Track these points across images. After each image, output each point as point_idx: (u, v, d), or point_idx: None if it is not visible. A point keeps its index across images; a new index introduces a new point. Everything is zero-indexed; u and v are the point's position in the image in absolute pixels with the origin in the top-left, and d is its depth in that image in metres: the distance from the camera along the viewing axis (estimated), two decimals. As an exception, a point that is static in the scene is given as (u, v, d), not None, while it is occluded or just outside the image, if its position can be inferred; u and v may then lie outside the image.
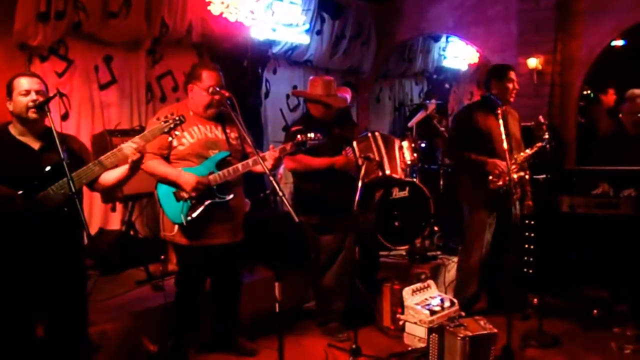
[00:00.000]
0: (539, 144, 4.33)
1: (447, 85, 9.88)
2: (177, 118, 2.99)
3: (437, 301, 4.33)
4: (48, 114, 2.77)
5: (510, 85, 4.41)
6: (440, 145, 7.11)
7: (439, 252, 5.69)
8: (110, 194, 4.42)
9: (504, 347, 3.79)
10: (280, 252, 4.42)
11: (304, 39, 6.65)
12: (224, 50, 5.77)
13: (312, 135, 3.50)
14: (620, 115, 5.28)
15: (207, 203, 3.43)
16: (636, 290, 4.46)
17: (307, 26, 6.59)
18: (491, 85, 4.47)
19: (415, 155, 5.05)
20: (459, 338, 3.57)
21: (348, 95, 4.54)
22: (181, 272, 3.75)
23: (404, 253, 5.56)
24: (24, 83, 2.82)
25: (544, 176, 4.84)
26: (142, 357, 3.73)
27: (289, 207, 2.96)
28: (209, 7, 5.45)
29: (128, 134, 4.29)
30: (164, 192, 3.49)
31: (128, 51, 5.31)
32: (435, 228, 5.84)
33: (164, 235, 3.62)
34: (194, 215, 3.42)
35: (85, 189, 3.03)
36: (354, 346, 3.84)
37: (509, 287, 4.55)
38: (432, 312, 4.18)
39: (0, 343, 2.77)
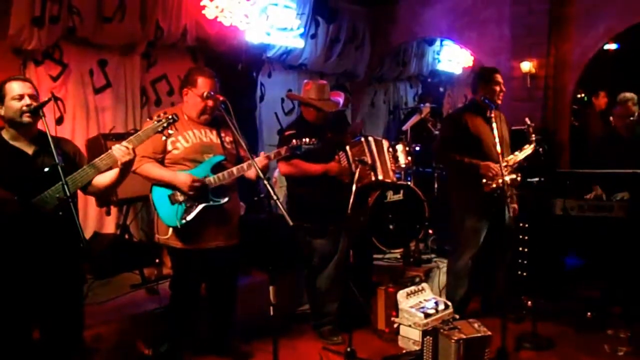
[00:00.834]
0: (527, 147, 4.36)
1: (441, 89, 9.92)
2: (170, 117, 2.98)
3: (431, 304, 4.34)
4: (43, 118, 2.76)
5: (497, 88, 4.42)
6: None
7: (433, 255, 5.70)
8: (104, 197, 4.40)
9: (498, 349, 3.81)
10: (275, 255, 4.42)
11: (299, 43, 6.67)
12: (219, 53, 5.79)
13: (307, 139, 3.51)
14: (612, 118, 5.32)
15: (201, 206, 3.44)
16: (629, 292, 4.48)
17: (302, 30, 6.61)
18: (478, 89, 4.49)
19: (409, 158, 5.07)
20: (453, 341, 3.59)
21: (341, 99, 4.56)
22: (176, 276, 3.75)
23: (398, 256, 5.58)
24: (16, 87, 2.80)
25: (537, 179, 4.86)
26: (137, 361, 3.74)
27: (283, 211, 2.97)
28: (203, 11, 5.47)
29: (123, 137, 4.25)
30: (159, 196, 3.50)
31: (123, 55, 5.32)
32: (430, 231, 5.86)
33: (159, 238, 3.62)
34: (189, 218, 3.43)
35: (79, 192, 3.03)
36: (348, 349, 3.85)
37: (503, 290, 4.57)
38: (427, 315, 4.19)
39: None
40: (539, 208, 4.86)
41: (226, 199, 3.51)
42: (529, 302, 4.70)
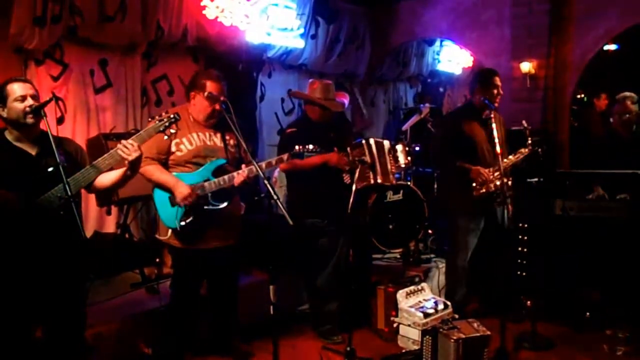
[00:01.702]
0: (522, 150, 4.37)
1: (441, 89, 9.93)
2: (172, 116, 2.99)
3: (430, 304, 4.36)
4: (44, 118, 2.78)
5: (495, 91, 4.42)
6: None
7: (432, 255, 5.72)
8: (107, 196, 4.43)
9: (498, 349, 3.82)
10: (275, 255, 4.43)
11: (299, 43, 6.68)
12: (219, 54, 5.80)
13: (310, 146, 3.48)
14: (612, 118, 5.32)
15: (200, 210, 3.45)
16: (628, 292, 4.49)
17: (302, 30, 6.62)
18: (476, 91, 4.49)
19: (409, 158, 5.09)
20: (452, 340, 3.60)
21: (346, 100, 4.56)
22: (176, 275, 3.76)
23: (398, 256, 5.59)
24: (18, 89, 2.81)
25: (537, 179, 4.87)
26: (137, 360, 3.75)
27: (283, 210, 2.98)
28: (204, 11, 5.48)
29: (123, 137, 4.25)
30: (160, 196, 3.52)
31: (123, 55, 5.32)
32: (429, 231, 5.87)
33: (159, 237, 3.63)
34: (188, 220, 3.44)
35: (82, 192, 3.04)
36: (348, 348, 3.86)
37: (502, 290, 4.58)
38: (426, 315, 4.21)
39: (-1, 345, 2.79)
40: (538, 208, 4.87)
41: (225, 204, 3.51)
42: (528, 302, 4.71)
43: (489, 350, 3.73)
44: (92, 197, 4.68)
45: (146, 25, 5.19)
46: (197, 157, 3.53)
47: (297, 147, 3.50)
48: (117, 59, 5.29)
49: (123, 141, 2.87)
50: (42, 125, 2.85)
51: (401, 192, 4.97)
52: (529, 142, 4.34)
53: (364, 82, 8.34)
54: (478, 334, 3.68)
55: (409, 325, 4.24)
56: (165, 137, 3.09)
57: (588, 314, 4.58)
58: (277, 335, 3.14)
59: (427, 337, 3.78)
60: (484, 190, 4.26)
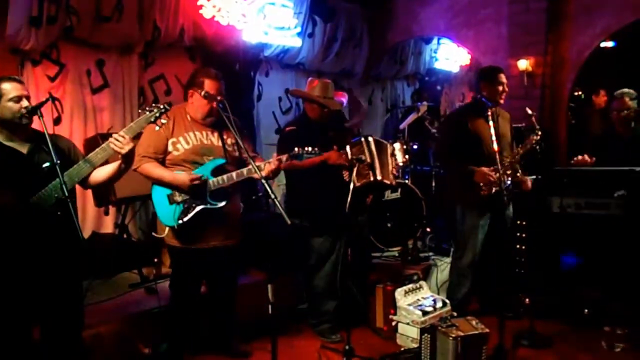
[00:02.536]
0: (532, 137, 4.35)
1: (438, 87, 9.93)
2: (161, 106, 2.98)
3: (429, 302, 4.36)
4: (41, 118, 2.77)
5: (500, 88, 4.43)
6: (432, 147, 7.15)
7: (431, 253, 5.73)
8: (105, 196, 4.43)
9: (496, 347, 3.82)
10: (273, 254, 4.44)
11: (296, 42, 6.67)
12: (216, 53, 5.79)
13: (309, 148, 3.47)
14: (611, 115, 5.31)
15: (198, 208, 3.44)
16: (627, 289, 4.50)
17: (299, 29, 6.62)
18: (481, 88, 4.49)
19: (407, 157, 5.09)
20: (450, 338, 3.60)
21: (344, 99, 4.56)
22: (175, 275, 3.76)
23: (396, 254, 5.60)
24: (12, 89, 2.80)
25: (535, 177, 4.88)
26: (136, 360, 3.75)
27: (281, 210, 2.98)
28: (200, 11, 5.48)
29: (121, 137, 4.29)
30: (158, 195, 3.51)
31: (120, 55, 5.32)
32: (428, 229, 5.88)
33: (158, 236, 3.63)
34: (185, 219, 3.44)
35: (78, 192, 3.04)
36: (346, 347, 3.85)
37: (501, 287, 4.59)
38: (425, 313, 4.21)
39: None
40: (536, 206, 4.87)
41: (224, 203, 3.49)
42: (527, 300, 4.71)
43: (488, 348, 3.73)
44: (90, 197, 4.68)
45: (143, 25, 5.19)
46: (195, 155, 3.52)
47: (296, 149, 3.48)
48: (114, 59, 5.29)
49: (114, 134, 2.86)
50: (38, 126, 2.84)
51: (399, 190, 4.97)
52: (537, 127, 4.32)
53: (362, 81, 8.34)
54: (476, 332, 3.69)
55: (408, 324, 4.24)
56: (157, 128, 3.08)
57: (586, 311, 4.59)
58: (276, 335, 3.13)
59: (426, 335, 3.78)
60: (492, 191, 4.26)
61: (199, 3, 5.47)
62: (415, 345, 4.07)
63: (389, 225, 4.91)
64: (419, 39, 8.74)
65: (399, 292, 4.39)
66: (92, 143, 4.51)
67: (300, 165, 4.04)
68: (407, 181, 5.37)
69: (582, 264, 4.70)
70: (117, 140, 2.83)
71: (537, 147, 4.35)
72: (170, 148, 3.52)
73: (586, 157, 4.82)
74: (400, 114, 8.57)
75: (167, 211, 3.47)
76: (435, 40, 9.26)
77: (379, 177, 4.29)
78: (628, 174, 4.54)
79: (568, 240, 4.74)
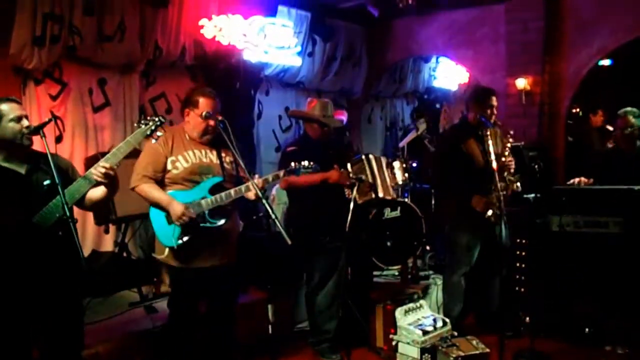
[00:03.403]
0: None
1: (437, 105, 9.99)
2: (156, 119, 3.01)
3: (429, 321, 4.35)
4: (43, 138, 2.78)
5: (489, 111, 4.44)
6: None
7: (431, 272, 5.72)
8: (105, 214, 4.43)
9: (497, 366, 3.81)
10: (274, 273, 4.43)
11: (296, 61, 6.73)
12: (217, 72, 5.85)
13: (305, 163, 3.48)
14: (615, 132, 5.32)
15: (198, 227, 3.45)
16: (627, 308, 4.49)
17: (299, 48, 6.68)
18: (471, 108, 4.51)
19: (406, 175, 5.10)
20: (451, 358, 3.60)
21: (344, 118, 4.59)
22: (173, 294, 3.75)
23: (396, 273, 5.59)
24: (12, 109, 2.80)
25: (533, 195, 4.89)
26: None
27: (281, 230, 2.98)
28: (202, 31, 5.54)
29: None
30: (157, 215, 3.51)
31: (122, 74, 5.37)
32: (427, 247, 5.88)
33: (157, 256, 3.63)
34: (185, 239, 3.43)
35: (79, 210, 3.05)
36: (347, 366, 3.84)
37: (499, 306, 4.58)
38: (425, 332, 4.19)
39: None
40: (535, 224, 4.88)
41: (223, 221, 3.49)
42: (527, 318, 4.70)
43: (488, 367, 3.72)
44: (90, 215, 4.69)
45: (145, 44, 5.25)
46: (193, 174, 3.53)
47: (293, 163, 3.51)
48: (116, 78, 5.34)
49: (96, 165, 2.86)
50: (39, 146, 2.85)
51: (399, 208, 4.98)
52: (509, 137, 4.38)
53: (361, 99, 8.40)
54: (477, 352, 3.68)
55: (408, 343, 4.22)
56: (153, 141, 3.10)
57: (587, 329, 4.57)
58: (276, 354, 3.13)
59: (427, 355, 3.77)
60: (489, 214, 4.27)
61: (200, 23, 5.54)
62: (415, 365, 4.06)
63: (388, 243, 4.90)
64: (417, 57, 8.81)
65: (399, 312, 4.37)
66: (93, 162, 4.48)
67: (301, 183, 4.07)
68: (406, 199, 5.39)
69: (583, 283, 4.69)
70: (98, 172, 2.82)
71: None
72: (169, 166, 3.52)
73: (583, 179, 4.83)
74: (401, 132, 8.63)
75: (166, 231, 3.47)
76: (434, 59, 9.33)
77: (380, 195, 4.31)
78: (627, 193, 4.55)
79: (568, 258, 4.74)
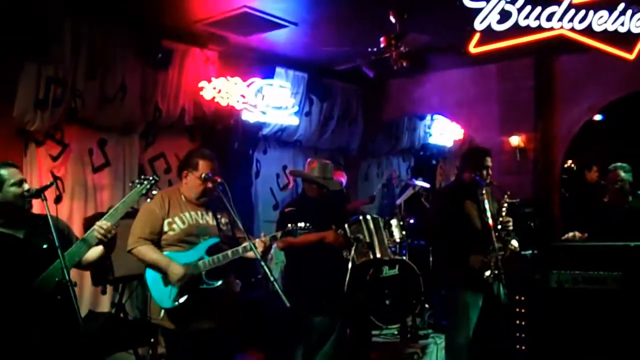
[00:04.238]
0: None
1: (433, 162, 10.10)
2: (150, 178, 3.05)
3: (430, 382, 4.29)
4: (45, 201, 2.81)
5: (485, 172, 4.47)
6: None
7: (430, 330, 5.66)
8: (102, 275, 4.42)
9: None
10: (272, 334, 4.39)
11: (294, 121, 6.85)
12: (216, 132, 5.95)
13: (302, 224, 3.51)
14: (607, 187, 5.38)
15: (195, 289, 3.43)
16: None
17: (296, 108, 6.81)
18: (466, 169, 4.53)
19: (403, 233, 5.13)
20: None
21: (344, 179, 4.64)
22: (169, 357, 3.70)
23: (395, 332, 5.53)
24: (13, 174, 2.85)
25: (531, 251, 4.90)
26: None
27: (280, 291, 2.98)
28: (201, 92, 5.68)
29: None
30: (153, 276, 3.48)
31: (122, 134, 5.46)
32: (426, 305, 5.83)
33: (152, 319, 3.59)
34: (182, 300, 3.40)
35: (76, 270, 3.04)
36: None
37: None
38: (425, 393, 4.13)
39: None
40: (534, 281, 4.87)
41: (220, 282, 3.48)
42: (529, 377, 4.63)
43: None
44: (87, 275, 4.67)
45: (145, 106, 5.36)
46: (190, 235, 3.53)
47: (289, 225, 3.52)
48: (116, 139, 5.43)
49: (98, 222, 2.90)
50: (38, 209, 2.89)
51: (397, 266, 4.98)
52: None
53: (358, 157, 8.49)
54: (479, 413, 3.61)
55: (409, 405, 4.15)
56: (148, 200, 3.14)
57: (589, 389, 4.50)
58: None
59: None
60: (487, 274, 4.26)
61: (199, 85, 5.67)
62: None
63: (387, 302, 4.87)
64: (413, 115, 8.96)
65: (399, 372, 4.32)
66: (92, 222, 4.51)
67: (298, 243, 4.08)
68: (404, 257, 5.39)
69: (583, 339, 4.64)
70: (99, 232, 2.86)
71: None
72: (166, 228, 3.53)
73: (577, 233, 4.86)
74: (399, 189, 8.67)
75: (162, 292, 3.44)
76: (428, 117, 9.48)
77: (378, 255, 4.32)
78: (623, 249, 4.57)
79: (567, 315, 4.70)
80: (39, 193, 2.85)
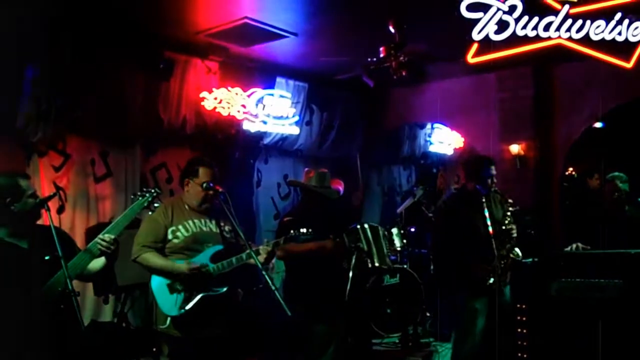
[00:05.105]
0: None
1: (434, 170, 10.10)
2: (152, 190, 3.11)
3: (431, 390, 4.29)
4: (48, 211, 2.85)
5: (489, 181, 4.49)
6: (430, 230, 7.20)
7: (431, 339, 5.66)
8: (105, 284, 4.44)
9: None
10: (272, 342, 4.40)
11: (294, 130, 6.87)
12: (217, 142, 5.98)
13: (304, 230, 3.54)
14: (604, 197, 5.40)
15: (200, 295, 3.46)
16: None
17: (297, 118, 6.83)
18: (470, 178, 4.55)
19: (404, 241, 5.15)
20: None
21: (341, 187, 4.66)
22: (173, 366, 3.72)
23: (396, 340, 5.53)
24: (30, 186, 2.91)
25: (531, 259, 4.91)
26: None
27: (280, 301, 3.00)
28: (202, 103, 5.71)
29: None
30: (158, 284, 3.52)
31: (124, 145, 5.49)
32: (427, 314, 5.83)
33: (157, 327, 3.61)
34: (187, 307, 3.43)
35: (75, 282, 3.07)
36: None
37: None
38: (427, 402, 4.13)
39: None
40: (534, 289, 4.88)
41: (225, 289, 3.52)
42: (531, 385, 4.62)
43: None
44: (89, 286, 4.69)
45: (147, 116, 5.38)
46: (194, 243, 3.56)
47: (292, 231, 3.56)
48: (118, 149, 5.46)
49: (100, 236, 2.93)
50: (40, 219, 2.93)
51: (398, 275, 5.00)
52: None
53: (358, 165, 8.50)
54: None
55: (410, 413, 4.15)
56: (150, 213, 3.18)
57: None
58: None
59: None
60: (490, 281, 4.28)
61: (201, 95, 5.71)
62: None
63: (388, 310, 4.89)
64: (413, 124, 8.98)
65: (401, 381, 4.32)
66: (94, 232, 4.55)
67: (297, 252, 4.11)
68: (405, 266, 5.40)
69: (583, 347, 4.64)
70: (100, 245, 2.90)
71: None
72: (170, 236, 3.57)
73: (579, 244, 4.87)
74: (399, 198, 8.69)
75: (168, 300, 3.47)
76: (429, 125, 9.49)
77: (377, 264, 4.33)
78: (623, 257, 4.58)
79: (568, 323, 4.71)
80: (43, 203, 2.89)
